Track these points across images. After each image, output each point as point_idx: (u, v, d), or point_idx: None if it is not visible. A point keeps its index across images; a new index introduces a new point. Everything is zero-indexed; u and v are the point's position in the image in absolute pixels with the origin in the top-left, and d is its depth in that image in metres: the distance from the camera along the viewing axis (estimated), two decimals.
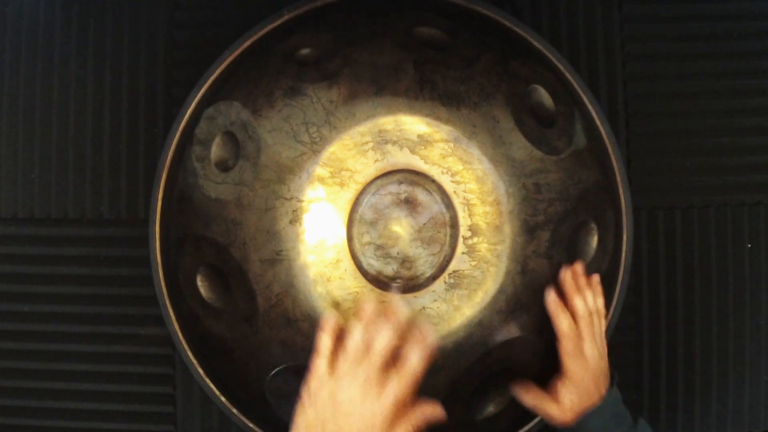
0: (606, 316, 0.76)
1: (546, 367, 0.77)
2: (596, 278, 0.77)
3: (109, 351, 0.86)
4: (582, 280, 0.77)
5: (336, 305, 0.83)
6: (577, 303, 0.75)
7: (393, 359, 0.65)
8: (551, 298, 0.76)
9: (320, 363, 0.66)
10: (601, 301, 0.76)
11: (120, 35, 0.87)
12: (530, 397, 0.76)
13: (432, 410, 0.67)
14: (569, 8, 0.87)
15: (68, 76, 0.87)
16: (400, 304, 0.68)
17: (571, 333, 0.74)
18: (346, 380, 0.64)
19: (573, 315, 0.75)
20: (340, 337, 0.66)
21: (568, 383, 0.73)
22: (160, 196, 0.73)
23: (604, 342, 0.75)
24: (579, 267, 0.78)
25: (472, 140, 0.83)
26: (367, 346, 0.65)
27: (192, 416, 0.86)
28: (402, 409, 0.64)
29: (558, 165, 0.80)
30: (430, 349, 0.66)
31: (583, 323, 0.75)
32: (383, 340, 0.65)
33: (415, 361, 0.64)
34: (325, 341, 0.66)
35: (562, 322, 0.74)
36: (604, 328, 0.76)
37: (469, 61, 0.79)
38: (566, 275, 0.77)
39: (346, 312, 0.83)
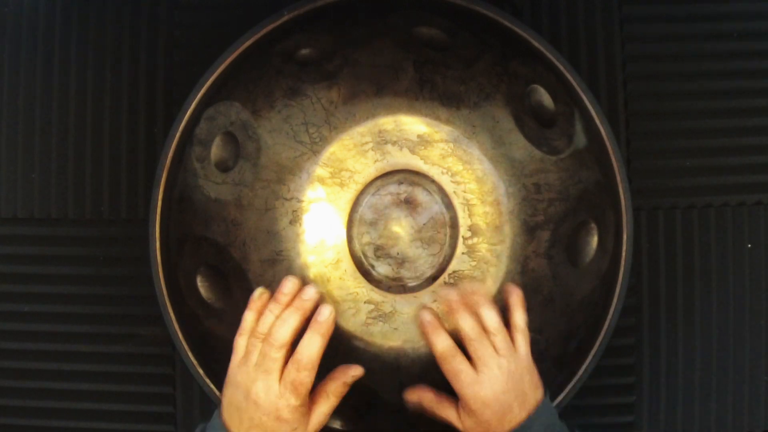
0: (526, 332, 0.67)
1: (546, 368, 0.77)
2: (513, 292, 0.68)
3: (109, 351, 0.86)
4: (473, 297, 0.66)
5: (336, 306, 0.83)
6: (461, 322, 0.64)
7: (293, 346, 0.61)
8: (425, 319, 0.66)
9: (240, 342, 0.63)
10: (519, 316, 0.66)
11: (120, 35, 0.87)
12: (426, 403, 0.66)
13: (350, 373, 0.64)
14: (569, 8, 0.87)
15: (68, 76, 0.87)
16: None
17: (448, 354, 0.64)
18: (254, 367, 0.61)
19: (461, 336, 0.64)
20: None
21: (463, 411, 0.63)
22: (160, 196, 0.73)
23: (522, 360, 0.65)
24: (468, 286, 0.68)
25: (472, 140, 0.83)
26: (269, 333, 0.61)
27: (192, 416, 0.86)
28: (316, 389, 0.62)
29: (558, 165, 0.80)
30: (328, 332, 0.62)
31: (473, 345, 0.63)
32: (285, 330, 0.61)
33: (313, 349, 0.60)
34: (249, 319, 0.63)
35: (434, 342, 0.64)
36: (522, 347, 0.65)
37: (469, 61, 0.79)
38: (449, 294, 0.66)
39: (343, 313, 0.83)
